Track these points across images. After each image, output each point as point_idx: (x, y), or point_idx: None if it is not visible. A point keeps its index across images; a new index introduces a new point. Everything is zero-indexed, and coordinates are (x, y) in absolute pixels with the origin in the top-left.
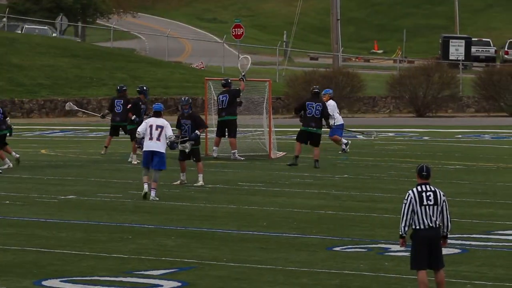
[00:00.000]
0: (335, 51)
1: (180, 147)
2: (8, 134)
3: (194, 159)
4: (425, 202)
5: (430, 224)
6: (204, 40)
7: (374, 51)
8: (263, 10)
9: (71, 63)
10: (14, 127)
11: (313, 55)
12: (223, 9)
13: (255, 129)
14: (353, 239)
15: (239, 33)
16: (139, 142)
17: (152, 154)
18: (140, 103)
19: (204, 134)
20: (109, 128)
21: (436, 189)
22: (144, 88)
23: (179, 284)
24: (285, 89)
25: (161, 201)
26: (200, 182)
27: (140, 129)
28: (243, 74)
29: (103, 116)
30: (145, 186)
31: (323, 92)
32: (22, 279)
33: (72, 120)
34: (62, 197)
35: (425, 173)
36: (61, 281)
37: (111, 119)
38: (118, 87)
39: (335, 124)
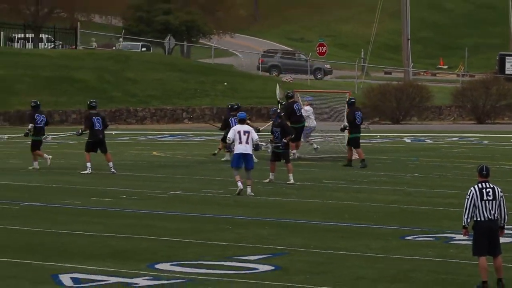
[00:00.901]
0: (406, 67)
1: (263, 148)
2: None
3: (285, 161)
4: (485, 198)
5: (489, 217)
6: (292, 57)
7: (440, 66)
8: (344, 31)
9: (178, 77)
10: (130, 132)
11: (387, 70)
12: (309, 30)
13: (337, 134)
14: (422, 229)
15: (322, 51)
16: (229, 147)
17: (243, 156)
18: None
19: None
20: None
21: (495, 186)
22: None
23: (273, 267)
24: (363, 99)
25: (257, 196)
26: (291, 181)
27: (230, 135)
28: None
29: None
30: (239, 184)
31: (304, 98)
32: (138, 262)
33: (180, 126)
34: (172, 192)
35: (485, 172)
36: (171, 264)
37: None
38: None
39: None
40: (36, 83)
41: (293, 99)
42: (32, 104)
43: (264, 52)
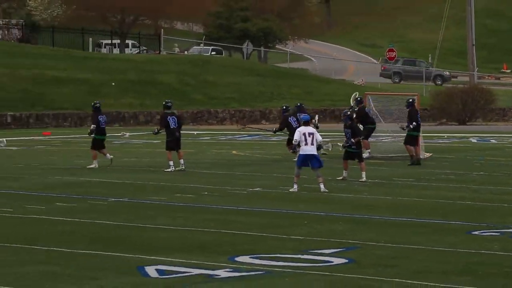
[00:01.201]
0: (471, 71)
1: (324, 147)
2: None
3: (357, 160)
4: None
5: None
6: (363, 61)
7: (503, 70)
8: (412, 37)
9: (256, 81)
10: (210, 132)
11: (453, 74)
12: (379, 36)
13: (405, 134)
14: (488, 224)
15: (392, 56)
16: (294, 148)
17: (309, 156)
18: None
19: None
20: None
21: None
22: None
23: (346, 260)
24: (430, 101)
25: (331, 193)
26: (364, 178)
27: (296, 137)
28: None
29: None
30: (296, 186)
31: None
32: (219, 255)
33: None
34: (250, 189)
35: None
36: (250, 257)
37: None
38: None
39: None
40: (122, 86)
41: (363, 104)
42: (97, 105)
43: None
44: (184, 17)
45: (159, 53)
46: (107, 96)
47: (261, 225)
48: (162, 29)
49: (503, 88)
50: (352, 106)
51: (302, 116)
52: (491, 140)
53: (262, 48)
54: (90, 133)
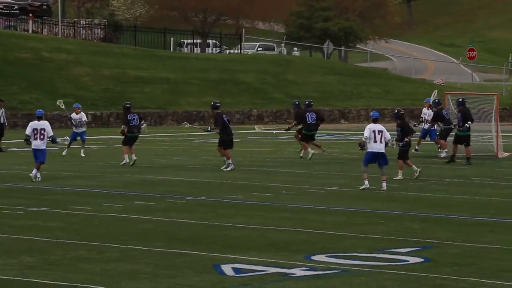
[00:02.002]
0: None
1: (389, 144)
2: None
3: (403, 158)
4: None
5: None
6: (443, 61)
7: None
8: (493, 37)
9: (336, 80)
10: (289, 132)
11: None
12: (459, 36)
13: (485, 133)
14: None
15: (472, 56)
16: (362, 145)
17: (378, 154)
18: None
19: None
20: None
21: None
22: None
23: (422, 260)
24: (510, 101)
25: (408, 192)
26: (399, 176)
27: (366, 133)
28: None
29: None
30: (366, 182)
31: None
32: (295, 254)
33: (335, 126)
34: (328, 188)
35: None
36: (326, 256)
37: None
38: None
39: None
40: (203, 85)
41: (441, 105)
42: (127, 105)
43: None
44: (265, 17)
45: (240, 52)
46: (188, 95)
47: (337, 223)
48: (243, 29)
49: None
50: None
51: (372, 113)
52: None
53: (342, 48)
54: (122, 133)
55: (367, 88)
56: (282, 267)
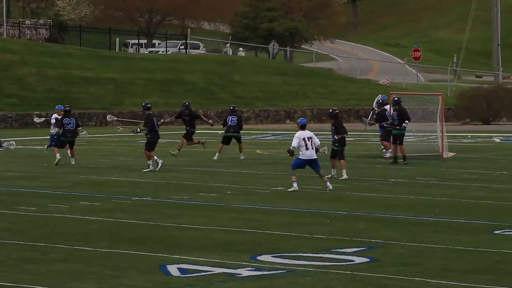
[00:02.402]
0: (496, 71)
1: (320, 150)
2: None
3: (338, 157)
4: None
5: None
6: (389, 61)
7: None
8: (438, 37)
9: (281, 80)
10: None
11: (478, 74)
12: (404, 36)
13: (430, 133)
14: (510, 224)
15: (417, 56)
16: (291, 152)
17: (310, 161)
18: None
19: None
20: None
21: None
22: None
23: (368, 259)
24: (455, 101)
25: (353, 192)
26: (344, 176)
27: (294, 143)
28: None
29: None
30: (295, 184)
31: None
32: (241, 254)
33: (281, 126)
34: (273, 188)
35: None
36: (272, 256)
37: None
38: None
39: None
40: (148, 86)
41: (384, 107)
42: (66, 108)
43: None
44: (210, 17)
45: (186, 52)
46: (133, 95)
47: (283, 223)
48: (188, 29)
49: None
50: (374, 108)
51: (300, 120)
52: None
53: (288, 48)
54: (56, 135)
55: (313, 88)
56: (228, 268)
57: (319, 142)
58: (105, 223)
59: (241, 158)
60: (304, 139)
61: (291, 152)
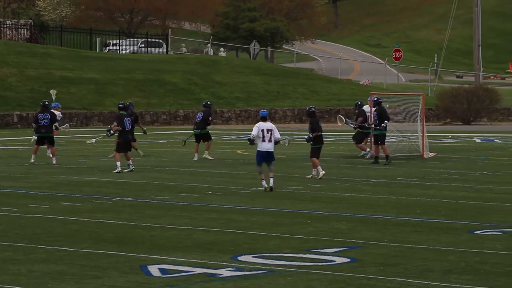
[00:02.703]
0: (476, 71)
1: (281, 142)
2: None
3: (310, 155)
4: None
5: None
6: (369, 61)
7: (508, 70)
8: (418, 37)
9: (262, 80)
10: (216, 132)
11: (459, 74)
12: (385, 36)
13: (411, 134)
14: (490, 224)
15: (398, 56)
16: (251, 141)
17: (267, 153)
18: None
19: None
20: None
21: None
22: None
23: (348, 260)
24: (436, 101)
25: (334, 192)
26: (312, 174)
27: (254, 132)
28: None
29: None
30: (264, 182)
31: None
32: (222, 254)
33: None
34: (254, 188)
35: None
36: (253, 256)
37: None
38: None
39: None
40: (129, 86)
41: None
42: (44, 103)
43: None
44: (192, 17)
45: (167, 53)
46: (114, 95)
47: (263, 224)
48: (169, 29)
49: (508, 88)
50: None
51: (261, 111)
52: (495, 140)
53: (269, 48)
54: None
55: (293, 88)
56: (208, 268)
57: (279, 136)
58: (86, 224)
59: (203, 156)
60: (263, 130)
61: (251, 141)
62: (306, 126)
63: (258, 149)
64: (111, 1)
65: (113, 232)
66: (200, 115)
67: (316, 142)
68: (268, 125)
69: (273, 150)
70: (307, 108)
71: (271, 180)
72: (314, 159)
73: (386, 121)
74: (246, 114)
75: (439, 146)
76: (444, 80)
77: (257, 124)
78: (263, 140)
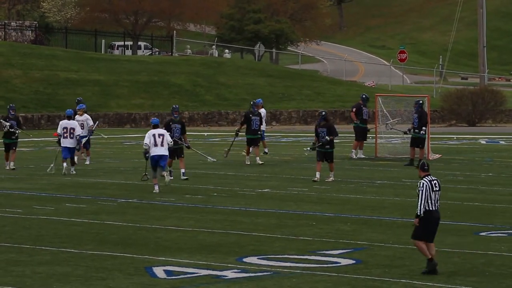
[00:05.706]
0: (481, 72)
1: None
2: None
3: (329, 160)
4: (434, 189)
5: (438, 206)
6: (374, 63)
7: None
8: (423, 39)
9: (267, 82)
10: (221, 133)
11: (464, 75)
12: (390, 38)
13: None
14: (495, 225)
15: (403, 58)
16: (145, 153)
17: (160, 156)
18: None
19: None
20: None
21: (437, 179)
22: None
23: (354, 261)
24: (441, 103)
25: (339, 194)
26: (331, 178)
27: (146, 140)
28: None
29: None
30: (156, 187)
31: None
32: (227, 256)
33: (266, 128)
34: (259, 190)
35: (426, 167)
36: (258, 258)
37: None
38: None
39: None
40: (134, 87)
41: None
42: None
43: None
44: (196, 19)
45: (171, 54)
46: (119, 97)
47: (268, 225)
48: (174, 31)
49: None
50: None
51: (152, 119)
52: (500, 142)
53: (273, 50)
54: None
55: (298, 90)
56: (213, 269)
57: (171, 140)
58: (91, 225)
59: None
60: (154, 135)
61: (145, 154)
62: (311, 127)
63: (151, 154)
64: (116, 3)
65: (118, 233)
66: (256, 120)
67: (322, 145)
68: (159, 130)
69: (167, 154)
70: (321, 112)
71: (167, 178)
72: (319, 163)
73: (424, 128)
74: None
75: (444, 147)
76: (449, 81)
77: (148, 132)
78: (155, 145)
